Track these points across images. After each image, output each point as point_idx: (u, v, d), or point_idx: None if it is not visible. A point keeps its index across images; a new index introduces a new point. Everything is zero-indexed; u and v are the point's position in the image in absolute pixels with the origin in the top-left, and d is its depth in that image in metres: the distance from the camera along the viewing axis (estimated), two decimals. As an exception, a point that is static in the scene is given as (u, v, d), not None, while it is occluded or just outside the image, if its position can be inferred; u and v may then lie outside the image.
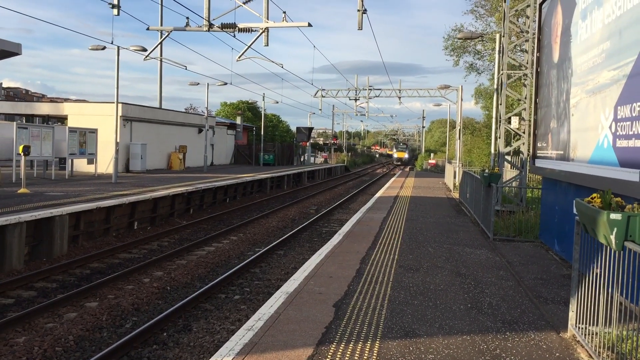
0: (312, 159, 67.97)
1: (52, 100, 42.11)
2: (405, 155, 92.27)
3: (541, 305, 7.59)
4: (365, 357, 5.54)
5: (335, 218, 22.63)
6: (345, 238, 12.56)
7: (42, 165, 25.67)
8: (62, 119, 32.96)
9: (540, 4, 13.24)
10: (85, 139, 26.13)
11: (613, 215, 4.86)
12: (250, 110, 70.15)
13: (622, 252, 4.91)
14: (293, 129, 79.03)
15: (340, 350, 5.73)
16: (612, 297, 5.24)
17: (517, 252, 11.50)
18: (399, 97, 53.07)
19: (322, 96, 53.42)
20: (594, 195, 5.42)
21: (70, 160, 25.68)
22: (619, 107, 7.78)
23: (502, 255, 11.14)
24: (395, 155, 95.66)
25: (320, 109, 55.91)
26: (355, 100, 54.90)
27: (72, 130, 25.37)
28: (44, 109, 34.35)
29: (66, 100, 41.03)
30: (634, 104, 7.19)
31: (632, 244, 4.74)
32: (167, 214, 20.49)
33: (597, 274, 5.59)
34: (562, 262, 10.46)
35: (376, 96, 54.12)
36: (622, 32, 7.79)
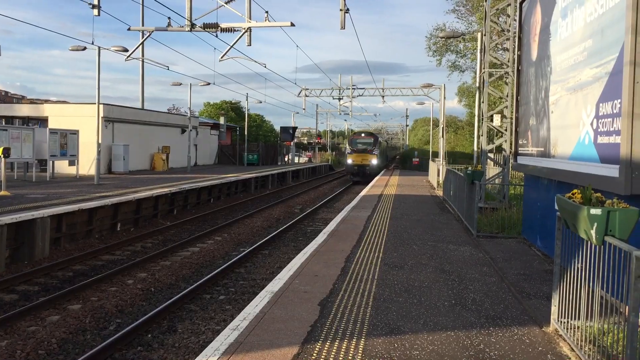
0: (296, 158, 67.83)
1: (32, 101, 41.61)
2: (373, 162, 45.16)
3: (524, 301, 7.66)
4: (350, 355, 5.55)
5: (320, 217, 22.65)
6: (330, 237, 12.58)
7: (22, 168, 25.34)
8: (43, 121, 32.58)
9: (521, 3, 13.36)
10: (66, 141, 25.84)
11: (593, 211, 4.92)
12: (233, 110, 69.93)
13: (602, 246, 4.97)
14: (277, 128, 78.90)
15: (326, 348, 5.74)
16: (593, 291, 5.30)
17: (500, 249, 11.60)
18: (383, 96, 53.19)
19: (306, 95, 53.36)
20: (575, 191, 5.48)
21: (51, 162, 25.39)
22: (600, 104, 7.88)
23: (486, 251, 11.23)
24: (350, 161, 45.99)
25: (304, 109, 55.81)
26: (339, 99, 54.91)
27: (53, 132, 25.08)
28: (24, 110, 33.94)
29: (46, 101, 40.52)
30: (615, 101, 7.29)
31: (612, 239, 4.81)
32: (151, 215, 20.35)
33: (578, 268, 5.66)
34: (545, 257, 10.57)
35: (360, 95, 54.16)
36: (604, 30, 7.88)
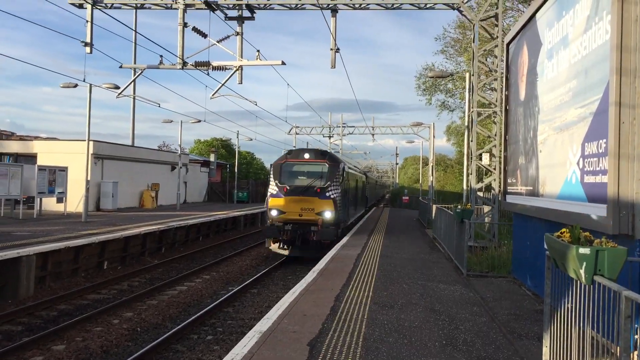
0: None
1: (22, 138, 41.46)
2: (327, 215, 20.43)
3: (515, 341, 7.58)
4: (339, 398, 5.43)
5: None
6: (320, 275, 12.47)
7: (9, 204, 25.11)
8: (32, 157, 32.47)
9: (508, 44, 13.63)
10: (54, 177, 25.71)
11: (582, 250, 4.91)
12: (224, 147, 70.06)
13: (592, 286, 4.96)
14: (267, 166, 78.89)
15: (314, 390, 5.61)
16: (584, 331, 5.26)
17: (490, 288, 11.54)
18: (373, 134, 53.67)
19: (297, 133, 53.70)
20: (563, 230, 5.49)
21: (39, 199, 25.19)
22: (586, 144, 7.97)
23: (476, 291, 11.16)
24: (275, 213, 20.73)
25: (295, 146, 56.13)
26: (329, 137, 55.33)
27: (42, 169, 24.96)
28: (13, 147, 33.82)
29: (36, 138, 40.48)
30: (600, 141, 7.38)
31: (601, 278, 4.79)
32: (138, 253, 20.13)
33: (568, 308, 5.62)
34: (535, 297, 10.52)
35: (350, 133, 54.66)
36: (588, 71, 8.03)
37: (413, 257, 16.16)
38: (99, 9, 20.02)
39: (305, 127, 54.29)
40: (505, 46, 13.99)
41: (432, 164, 37.36)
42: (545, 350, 6.30)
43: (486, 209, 19.22)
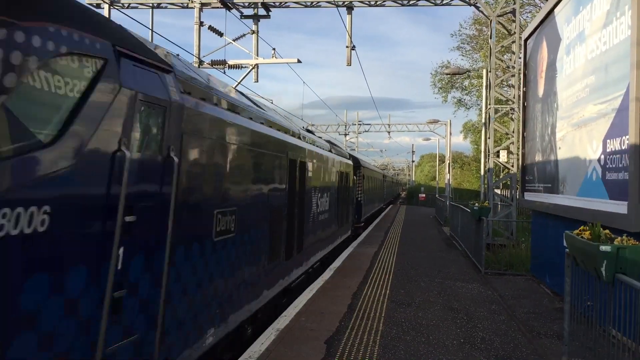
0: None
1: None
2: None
3: (534, 340, 7.52)
4: (357, 395, 5.43)
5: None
6: (337, 273, 12.46)
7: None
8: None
9: (525, 40, 13.50)
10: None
11: (603, 248, 4.86)
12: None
13: (613, 284, 4.90)
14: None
15: (332, 388, 5.62)
16: (605, 330, 5.20)
17: (508, 286, 11.45)
18: (389, 132, 53.51)
19: (313, 131, 53.72)
20: (583, 227, 5.44)
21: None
22: (608, 140, 7.86)
23: (494, 289, 11.08)
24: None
25: (311, 144, 56.07)
26: (345, 135, 55.24)
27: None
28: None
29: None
30: (624, 137, 7.27)
31: (623, 276, 4.74)
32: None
33: (589, 307, 5.56)
34: (554, 295, 10.42)
35: (365, 131, 54.55)
36: (609, 67, 7.91)
37: (430, 254, 16.09)
38: (117, 9, 20.18)
39: (321, 124, 54.28)
40: (523, 42, 13.86)
41: (448, 162, 37.13)
42: (565, 349, 6.24)
43: (503, 206, 19.06)
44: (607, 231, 5.21)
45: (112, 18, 20.07)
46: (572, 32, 9.64)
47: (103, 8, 20.16)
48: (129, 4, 20.70)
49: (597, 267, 4.91)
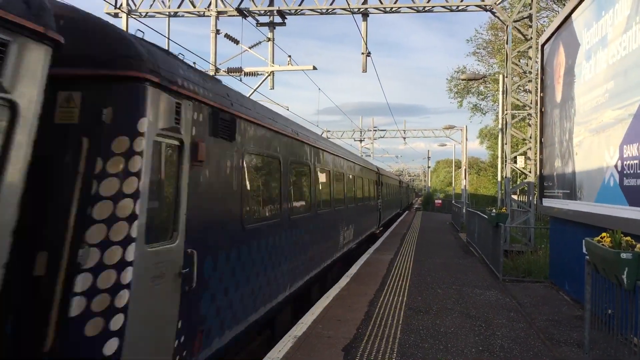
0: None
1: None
2: None
3: (554, 348, 7.44)
4: (376, 403, 5.41)
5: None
6: (353, 280, 12.44)
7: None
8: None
9: (542, 45, 13.42)
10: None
11: (624, 255, 4.82)
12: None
13: (634, 291, 4.85)
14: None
15: (350, 396, 5.61)
16: (626, 338, 5.14)
17: (527, 293, 11.35)
18: (404, 138, 53.36)
19: (328, 137, 53.80)
20: (604, 234, 5.39)
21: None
22: (624, 146, 7.79)
23: (513, 296, 10.99)
24: None
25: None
26: (361, 141, 55.21)
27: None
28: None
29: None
30: (640, 143, 7.19)
31: (645, 284, 4.69)
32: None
33: (610, 314, 5.51)
34: (574, 302, 10.31)
35: (381, 137, 54.46)
36: (628, 72, 7.85)
37: (447, 261, 16.00)
38: (134, 18, 20.42)
39: (336, 130, 54.41)
40: (540, 47, 13.77)
41: (464, 167, 36.95)
42: (586, 357, 6.18)
43: (521, 213, 18.92)
44: (628, 238, 5.16)
45: (129, 26, 20.31)
46: (593, 37, 9.57)
47: (121, 17, 20.42)
48: (146, 13, 20.94)
49: (618, 274, 4.87)
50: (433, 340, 7.65)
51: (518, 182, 19.52)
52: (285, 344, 7.39)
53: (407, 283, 12.13)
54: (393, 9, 19.35)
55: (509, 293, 11.28)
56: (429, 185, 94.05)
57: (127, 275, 4.08)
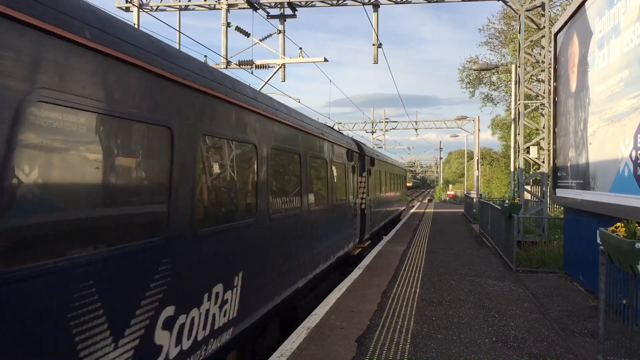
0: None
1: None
2: None
3: (568, 338, 7.43)
4: (389, 394, 5.44)
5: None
6: (366, 271, 12.47)
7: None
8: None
9: (556, 34, 13.29)
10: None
11: (639, 245, 4.79)
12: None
13: (649, 282, 4.82)
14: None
15: (364, 386, 5.64)
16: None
17: (541, 284, 11.31)
18: (416, 129, 53.18)
19: (340, 130, 53.73)
20: (618, 224, 5.36)
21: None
22: (639, 136, 7.72)
23: (526, 287, 10.96)
24: None
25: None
26: (372, 132, 55.10)
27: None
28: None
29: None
30: (655, 132, 7.13)
31: (660, 274, 4.66)
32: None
33: (624, 304, 5.48)
34: (588, 293, 10.26)
35: (392, 128, 54.30)
36: (640, 61, 7.77)
37: (460, 252, 15.98)
38: (145, 12, 20.47)
39: (348, 122, 54.35)
40: (553, 36, 13.64)
41: (477, 158, 36.76)
42: (601, 347, 6.16)
43: (534, 203, 18.81)
44: (642, 228, 5.12)
45: (140, 21, 20.37)
46: (606, 26, 9.47)
47: (132, 11, 20.48)
48: (157, 6, 20.97)
49: (633, 264, 4.84)
50: (446, 331, 7.66)
51: (531, 173, 19.39)
52: (299, 335, 7.44)
53: (419, 274, 12.13)
54: (404, 0, 19.24)
55: (523, 284, 11.25)
56: (441, 176, 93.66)
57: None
